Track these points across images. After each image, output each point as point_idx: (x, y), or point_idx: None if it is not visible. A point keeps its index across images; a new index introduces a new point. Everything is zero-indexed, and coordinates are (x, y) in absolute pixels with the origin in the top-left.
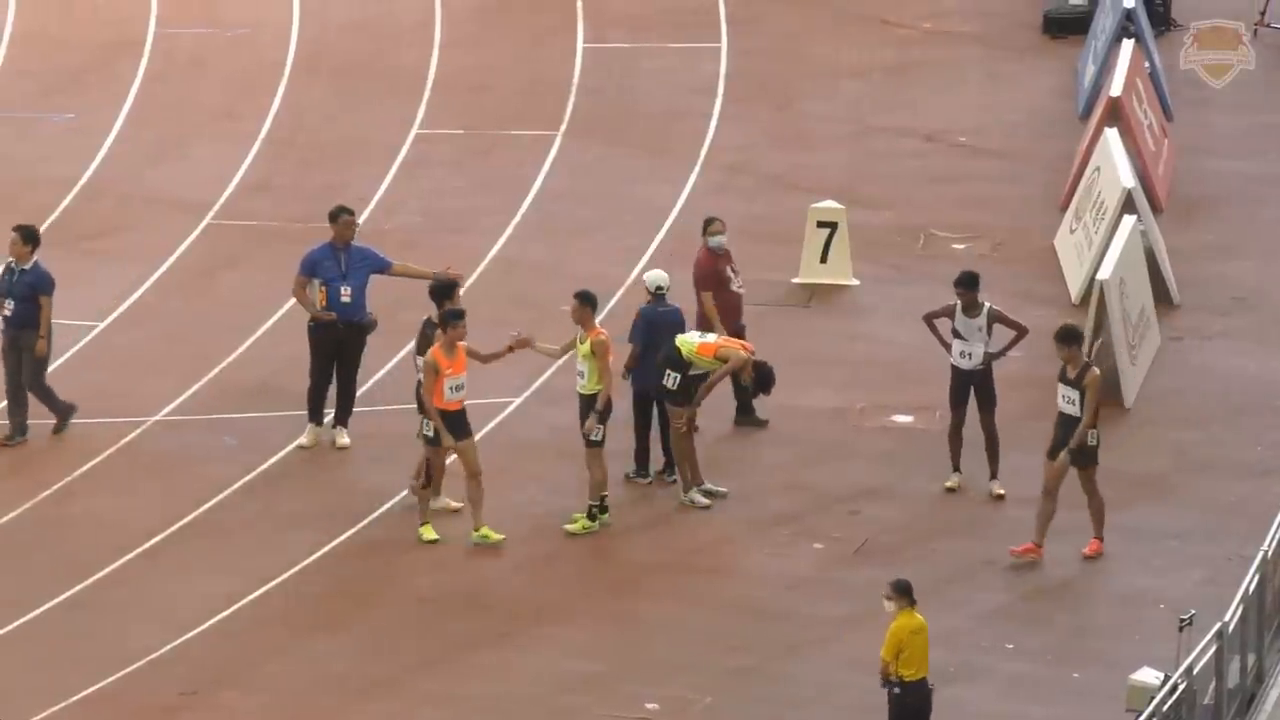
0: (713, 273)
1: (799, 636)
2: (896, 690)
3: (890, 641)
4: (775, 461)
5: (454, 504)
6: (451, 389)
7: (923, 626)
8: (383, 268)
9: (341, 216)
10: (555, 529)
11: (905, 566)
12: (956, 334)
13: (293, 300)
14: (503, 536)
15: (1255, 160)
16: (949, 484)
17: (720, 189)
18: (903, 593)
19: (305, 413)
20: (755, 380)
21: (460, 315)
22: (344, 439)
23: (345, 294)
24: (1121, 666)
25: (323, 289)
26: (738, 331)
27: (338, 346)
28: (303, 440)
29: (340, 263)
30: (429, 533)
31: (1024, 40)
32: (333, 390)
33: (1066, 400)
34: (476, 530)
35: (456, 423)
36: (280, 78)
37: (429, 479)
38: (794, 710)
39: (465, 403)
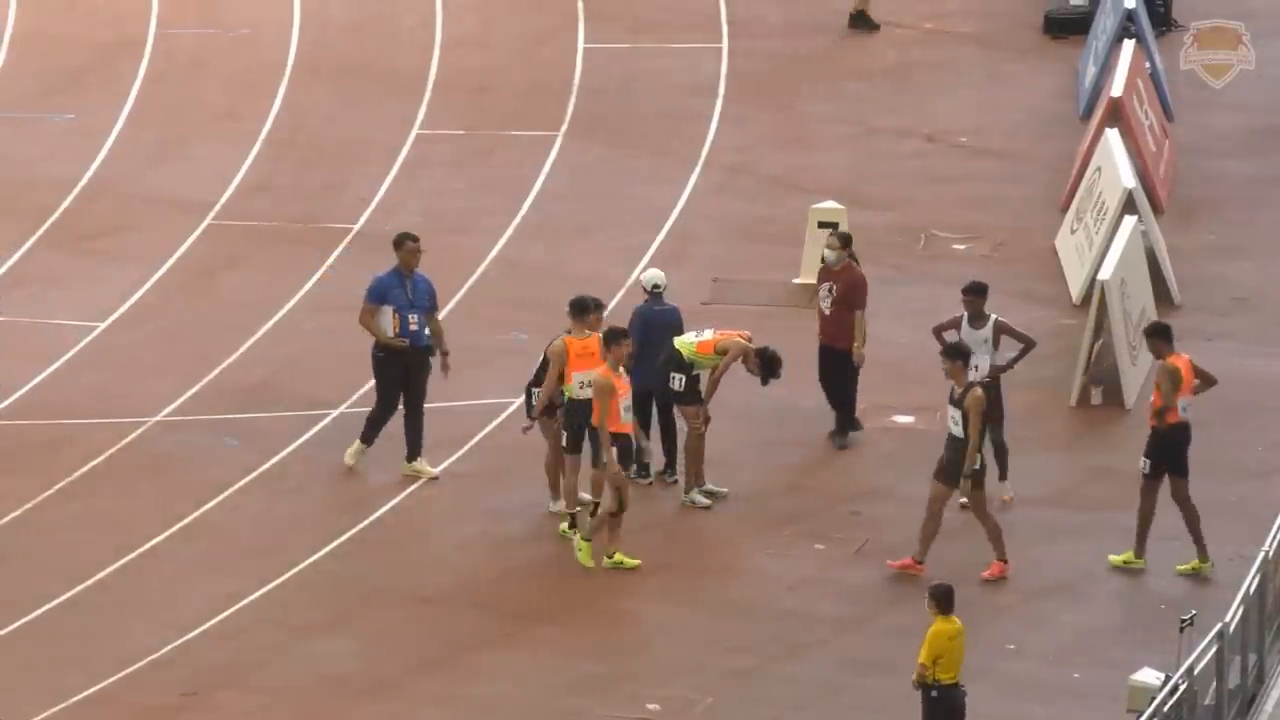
0: (816, 287)
1: (799, 637)
2: (934, 694)
3: (928, 647)
4: (776, 462)
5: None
6: (624, 409)
7: (960, 631)
8: (433, 308)
9: (406, 244)
10: (556, 529)
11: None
12: None
13: (293, 301)
14: (638, 562)
15: (1256, 160)
16: (965, 500)
17: (721, 190)
18: (940, 599)
19: (307, 414)
20: (761, 367)
21: (626, 334)
22: (430, 469)
23: (413, 321)
24: (1122, 667)
25: (396, 316)
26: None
27: (405, 374)
28: (349, 461)
29: (407, 290)
30: (628, 561)
31: (1025, 41)
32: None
33: (953, 421)
34: (610, 557)
35: (629, 449)
36: (281, 78)
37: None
38: (795, 711)
39: (471, 403)
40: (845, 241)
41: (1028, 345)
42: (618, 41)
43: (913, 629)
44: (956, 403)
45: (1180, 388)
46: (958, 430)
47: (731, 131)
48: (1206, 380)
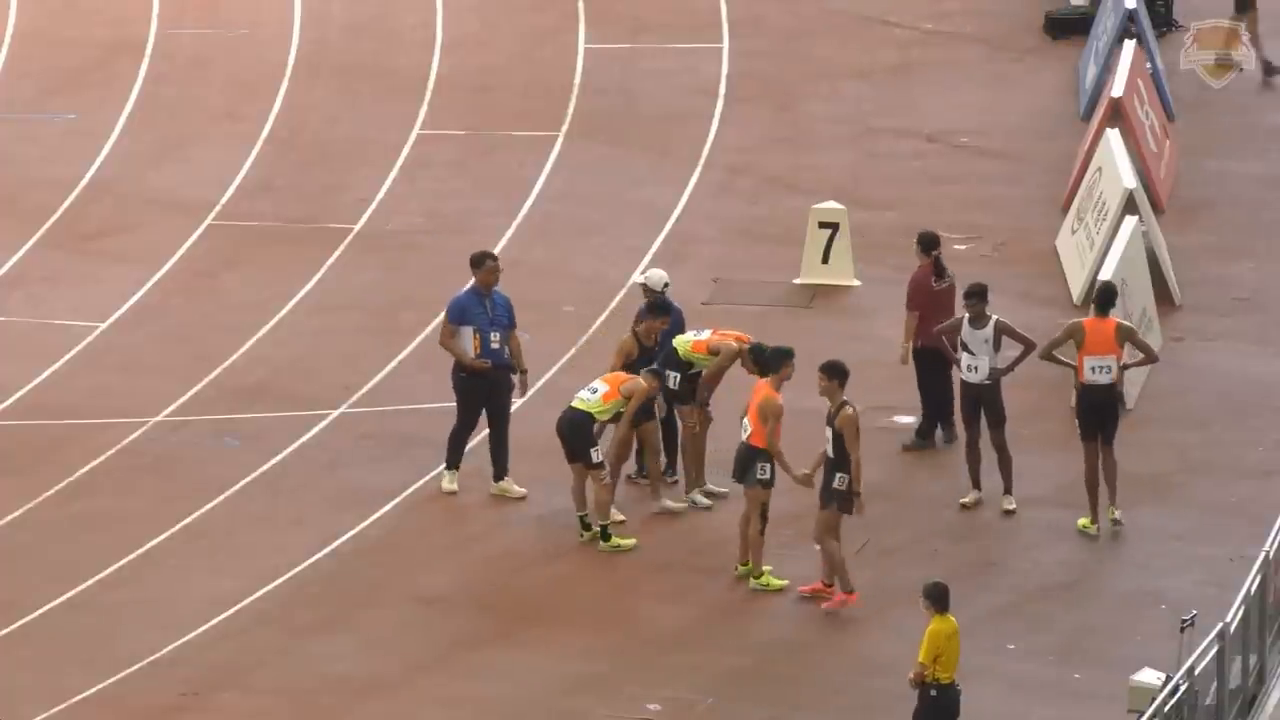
0: None
1: (800, 637)
2: (933, 694)
3: (928, 646)
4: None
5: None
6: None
7: (956, 630)
8: (513, 325)
9: (486, 263)
10: (556, 529)
11: (907, 567)
12: (964, 347)
13: (295, 300)
14: (785, 582)
15: (1257, 161)
16: (965, 500)
17: (722, 190)
18: (935, 598)
19: (307, 414)
20: (756, 366)
21: (792, 353)
22: (517, 488)
23: (495, 340)
24: (1123, 667)
25: (476, 335)
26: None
27: (488, 392)
28: (449, 486)
29: (487, 308)
30: (775, 580)
31: (1025, 41)
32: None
33: (827, 440)
34: (758, 578)
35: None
36: (282, 78)
37: (764, 524)
38: (795, 711)
39: None
40: (920, 243)
41: (1028, 347)
42: (619, 42)
43: (912, 629)
44: (831, 422)
45: (1082, 346)
46: (832, 450)
47: (732, 132)
48: (1145, 353)
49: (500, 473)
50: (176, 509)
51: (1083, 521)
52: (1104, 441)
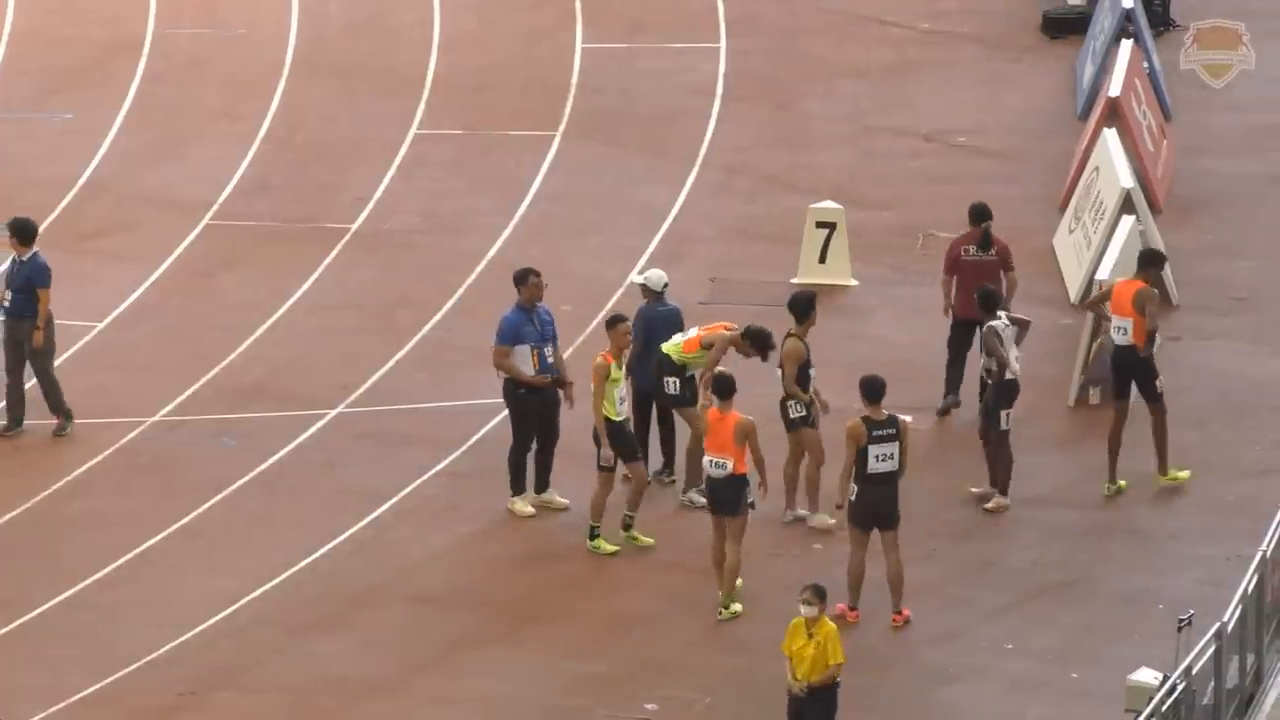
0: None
1: None
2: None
3: (835, 646)
4: (776, 462)
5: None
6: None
7: None
8: (556, 336)
9: (530, 279)
10: (555, 528)
11: (907, 567)
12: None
13: (293, 300)
14: (740, 608)
15: (1254, 160)
16: (975, 489)
17: (719, 189)
18: (824, 596)
19: (305, 414)
20: (753, 345)
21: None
22: (560, 499)
23: (550, 355)
24: (1120, 667)
25: (534, 353)
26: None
27: (542, 408)
28: (524, 509)
29: (535, 324)
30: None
31: (1023, 40)
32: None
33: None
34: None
35: None
36: (279, 78)
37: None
38: None
39: (470, 403)
40: (969, 213)
41: (1001, 365)
42: (616, 41)
43: (912, 629)
44: None
45: (1112, 308)
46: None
47: (729, 131)
48: (1149, 323)
49: (543, 485)
50: (174, 508)
51: (1108, 487)
52: (1148, 400)
